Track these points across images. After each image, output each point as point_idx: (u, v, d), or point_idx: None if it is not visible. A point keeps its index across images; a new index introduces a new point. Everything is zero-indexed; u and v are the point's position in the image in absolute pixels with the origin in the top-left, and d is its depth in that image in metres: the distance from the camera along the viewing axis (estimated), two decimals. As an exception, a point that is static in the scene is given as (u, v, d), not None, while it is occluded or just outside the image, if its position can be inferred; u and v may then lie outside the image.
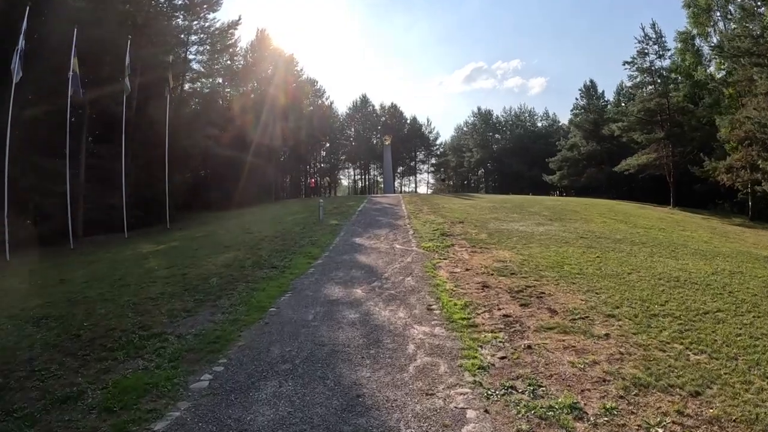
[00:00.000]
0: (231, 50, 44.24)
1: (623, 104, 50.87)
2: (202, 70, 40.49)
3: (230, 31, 39.76)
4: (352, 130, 73.98)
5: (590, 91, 55.54)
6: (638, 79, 40.39)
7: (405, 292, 8.83)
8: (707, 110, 35.60)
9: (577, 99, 56.47)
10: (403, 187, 77.92)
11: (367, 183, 76.11)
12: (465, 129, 78.37)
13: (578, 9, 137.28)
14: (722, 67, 33.75)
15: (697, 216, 29.06)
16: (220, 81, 45.02)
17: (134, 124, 27.74)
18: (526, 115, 74.81)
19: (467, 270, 10.66)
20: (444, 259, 11.79)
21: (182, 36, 34.90)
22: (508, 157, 67.45)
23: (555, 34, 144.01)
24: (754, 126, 25.87)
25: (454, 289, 9.06)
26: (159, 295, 9.18)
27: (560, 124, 70.66)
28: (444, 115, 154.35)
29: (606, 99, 56.02)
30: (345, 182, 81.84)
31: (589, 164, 50.01)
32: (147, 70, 27.71)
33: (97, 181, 25.19)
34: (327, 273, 10.56)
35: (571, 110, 56.86)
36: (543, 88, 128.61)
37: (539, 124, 73.92)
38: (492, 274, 10.21)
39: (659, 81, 38.23)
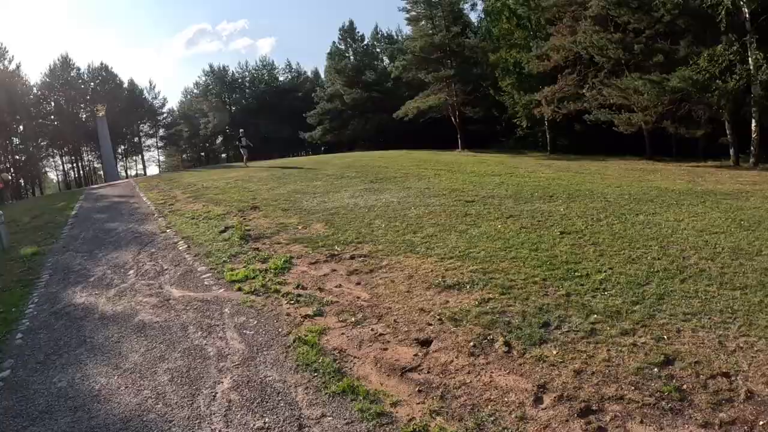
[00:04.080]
0: None
1: (378, 49, 47.87)
2: None
3: None
4: (52, 104, 55.00)
5: (350, 33, 49.94)
6: (413, 13, 36.78)
7: None
8: (494, 43, 33.82)
9: (335, 42, 50.16)
10: (128, 171, 62.41)
11: (82, 172, 58.39)
12: (197, 92, 64.93)
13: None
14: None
15: (498, 155, 27.86)
16: None
17: None
18: (267, 69, 65.89)
19: (423, 345, 4.24)
20: (315, 312, 5.03)
21: None
22: (253, 119, 58.11)
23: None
24: (585, 48, 24.31)
25: None
26: None
27: (306, 74, 64.68)
28: (167, 84, 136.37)
29: (366, 43, 51.42)
30: (53, 176, 62.02)
31: (354, 114, 45.42)
32: None
33: None
34: None
35: (328, 54, 50.68)
36: (273, 48, 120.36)
37: (281, 78, 65.31)
38: (498, 351, 3.86)
39: (441, 14, 34.90)
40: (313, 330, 4.52)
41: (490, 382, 3.50)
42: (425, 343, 4.16)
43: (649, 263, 5.87)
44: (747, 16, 19.08)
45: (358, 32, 49.72)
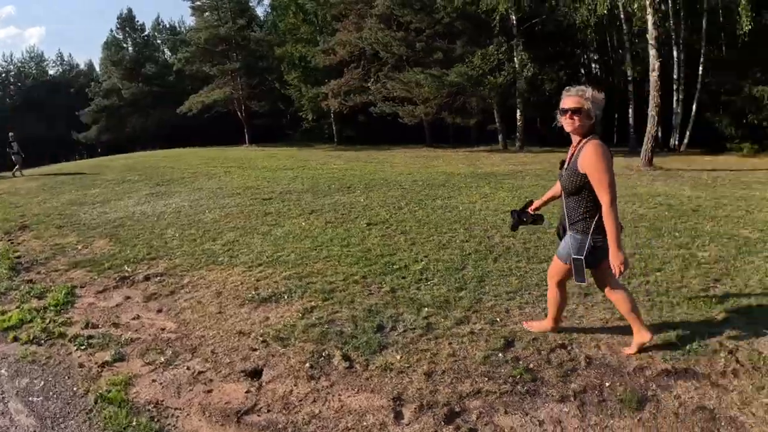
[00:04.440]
0: None
1: (159, 40, 43.78)
2: None
3: None
4: None
5: (129, 22, 44.13)
6: (198, 3, 34.58)
7: None
8: (280, 37, 33.96)
9: (112, 31, 44.49)
10: None
11: None
12: (-49, 88, 52.84)
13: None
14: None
15: (287, 149, 27.71)
16: None
17: None
18: (35, 62, 55.38)
19: (253, 377, 3.44)
20: (114, 357, 3.78)
21: None
22: (19, 119, 48.77)
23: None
24: (371, 44, 25.39)
25: None
26: None
27: (79, 67, 56.47)
28: None
29: (146, 34, 46.31)
30: None
31: (134, 110, 40.89)
32: None
33: None
34: None
35: (104, 44, 44.38)
36: (42, 38, 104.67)
37: (52, 72, 56.00)
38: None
39: (227, 5, 33.38)
40: (117, 382, 3.40)
41: (342, 407, 2.98)
42: (255, 374, 3.43)
43: (460, 246, 5.94)
44: (514, 21, 22.15)
45: (138, 21, 45.13)
